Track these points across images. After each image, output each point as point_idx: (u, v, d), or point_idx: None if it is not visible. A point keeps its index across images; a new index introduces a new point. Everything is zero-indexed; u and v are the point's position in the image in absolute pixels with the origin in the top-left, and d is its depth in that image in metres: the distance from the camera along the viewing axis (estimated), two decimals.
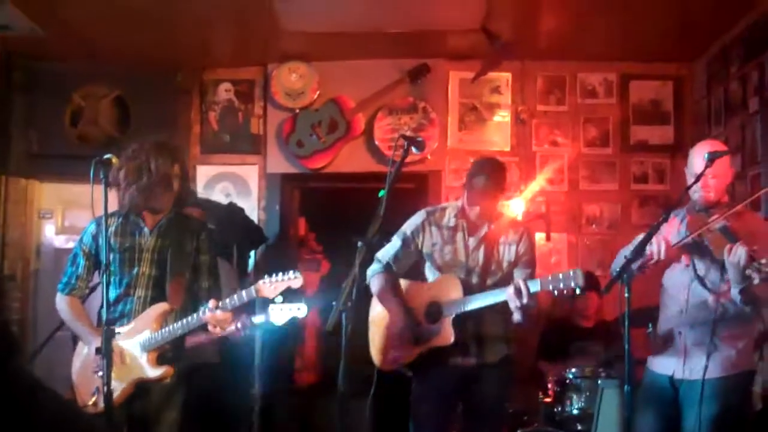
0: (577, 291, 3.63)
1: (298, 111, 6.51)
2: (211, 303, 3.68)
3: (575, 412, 4.94)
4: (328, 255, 7.40)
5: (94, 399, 3.70)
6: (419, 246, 4.18)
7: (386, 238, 3.80)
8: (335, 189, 6.92)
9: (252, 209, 6.51)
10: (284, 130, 6.50)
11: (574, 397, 4.98)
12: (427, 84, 6.50)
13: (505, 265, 4.05)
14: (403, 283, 4.25)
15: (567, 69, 6.62)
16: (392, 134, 6.35)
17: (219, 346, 4.87)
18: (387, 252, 4.21)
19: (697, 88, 6.45)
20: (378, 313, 4.26)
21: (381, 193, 3.34)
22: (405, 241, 4.19)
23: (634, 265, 3.54)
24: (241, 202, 6.40)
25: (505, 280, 3.97)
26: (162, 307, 3.80)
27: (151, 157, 3.77)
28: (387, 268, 4.20)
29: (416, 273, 4.31)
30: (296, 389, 6.33)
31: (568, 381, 5.01)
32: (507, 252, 4.08)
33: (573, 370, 5.02)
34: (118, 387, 3.64)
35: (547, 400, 5.08)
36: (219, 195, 6.49)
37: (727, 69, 5.85)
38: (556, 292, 3.67)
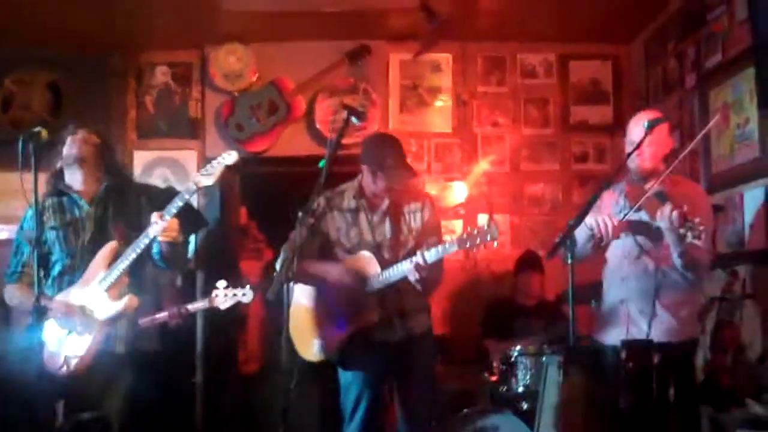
0: (495, 244, 3.62)
1: (236, 94, 6.40)
2: (154, 216, 3.67)
3: (521, 390, 4.91)
4: (271, 243, 7.30)
5: (63, 364, 3.70)
6: (326, 234, 4.15)
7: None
8: (276, 173, 6.81)
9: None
10: (223, 114, 6.38)
11: (520, 375, 4.95)
12: (368, 65, 6.44)
13: (414, 234, 4.03)
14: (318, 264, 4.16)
15: (507, 50, 6.62)
16: (333, 116, 6.28)
17: (160, 333, 4.80)
18: (294, 243, 4.06)
19: (635, 67, 6.50)
20: (300, 305, 4.17)
21: (321, 163, 3.29)
22: (311, 231, 4.02)
23: (589, 246, 3.55)
24: (179, 188, 6.24)
25: (415, 249, 3.93)
26: (109, 246, 3.80)
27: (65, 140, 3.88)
28: (298, 256, 4.11)
29: None
30: (239, 378, 6.23)
31: (513, 359, 4.99)
32: (413, 220, 4.06)
33: (518, 348, 5.00)
34: (86, 341, 3.69)
35: (493, 378, 5.06)
36: (157, 181, 6.33)
37: (665, 47, 5.90)
38: (474, 249, 3.67)
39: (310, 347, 4.12)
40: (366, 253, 4.00)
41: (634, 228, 3.72)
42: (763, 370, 3.30)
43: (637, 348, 3.27)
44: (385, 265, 3.93)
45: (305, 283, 4.13)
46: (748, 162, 4.67)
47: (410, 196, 4.12)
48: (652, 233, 3.64)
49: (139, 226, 3.80)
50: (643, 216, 3.66)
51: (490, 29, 6.34)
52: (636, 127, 3.70)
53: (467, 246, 3.64)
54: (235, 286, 4.63)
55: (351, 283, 3.98)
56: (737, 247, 4.67)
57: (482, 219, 5.99)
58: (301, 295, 4.19)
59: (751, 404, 3.13)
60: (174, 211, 3.68)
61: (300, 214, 3.19)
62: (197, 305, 4.72)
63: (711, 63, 5.13)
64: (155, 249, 3.84)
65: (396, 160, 3.98)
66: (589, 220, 3.59)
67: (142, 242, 3.70)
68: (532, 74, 6.63)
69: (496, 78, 6.61)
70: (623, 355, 3.24)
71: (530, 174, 6.55)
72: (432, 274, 3.82)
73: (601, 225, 3.58)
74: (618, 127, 6.41)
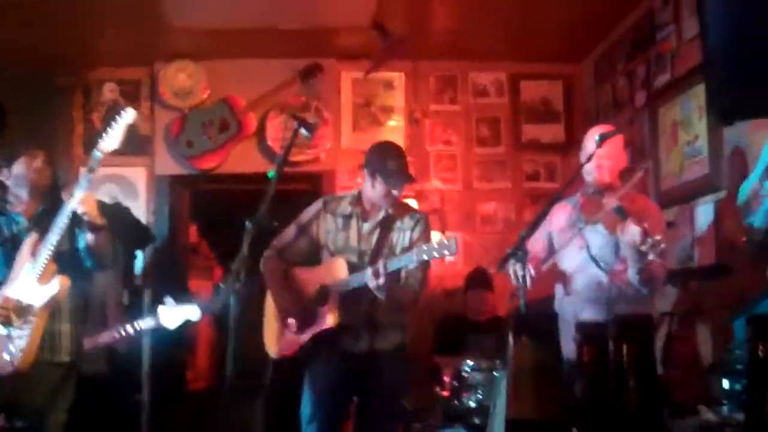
0: (451, 258, 3.59)
1: (187, 111, 6.33)
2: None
3: (473, 405, 4.88)
4: (221, 261, 7.22)
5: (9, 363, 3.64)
6: (314, 235, 4.11)
7: (276, 217, 3.68)
8: (227, 191, 6.75)
9: (140, 212, 6.27)
10: (173, 130, 6.31)
11: (472, 390, 4.92)
12: (320, 83, 6.42)
13: (398, 250, 3.97)
14: (297, 270, 4.14)
15: (458, 68, 6.66)
16: (284, 134, 6.23)
17: (106, 354, 4.73)
18: (281, 239, 4.15)
19: (585, 86, 6.58)
20: (270, 302, 4.16)
21: (270, 174, 3.25)
22: (300, 229, 4.12)
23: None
24: (128, 206, 6.15)
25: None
26: (29, 239, 3.78)
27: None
28: (279, 254, 4.13)
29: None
30: (187, 395, 6.12)
31: (464, 374, 4.96)
32: (402, 237, 4.01)
33: (470, 363, 4.98)
34: (26, 328, 3.64)
35: (445, 394, 5.01)
36: (104, 198, 6.20)
37: (614, 66, 5.98)
38: (431, 261, 3.68)
39: (271, 344, 4.10)
40: (338, 258, 3.96)
41: (586, 235, 3.72)
42: (714, 381, 3.31)
43: (592, 331, 3.20)
44: (358, 272, 3.88)
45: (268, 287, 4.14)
46: (697, 178, 4.72)
47: (407, 212, 4.08)
48: (606, 246, 3.65)
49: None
50: (600, 229, 3.66)
51: (442, 48, 6.38)
52: (589, 142, 3.72)
53: (424, 258, 3.60)
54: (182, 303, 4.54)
55: (290, 314, 3.96)
56: (687, 262, 4.71)
57: (435, 236, 5.96)
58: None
59: (703, 411, 3.13)
60: (85, 184, 3.65)
61: (248, 224, 3.14)
62: (144, 323, 4.60)
63: (660, 82, 5.20)
64: (80, 243, 3.78)
65: (396, 164, 3.94)
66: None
67: (62, 222, 3.64)
68: (484, 93, 6.67)
69: (448, 96, 6.63)
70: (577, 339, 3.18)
71: (482, 192, 6.56)
72: (397, 290, 3.81)
73: (522, 273, 3.50)
74: (569, 146, 6.49)
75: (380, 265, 3.66)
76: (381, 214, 4.03)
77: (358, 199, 4.09)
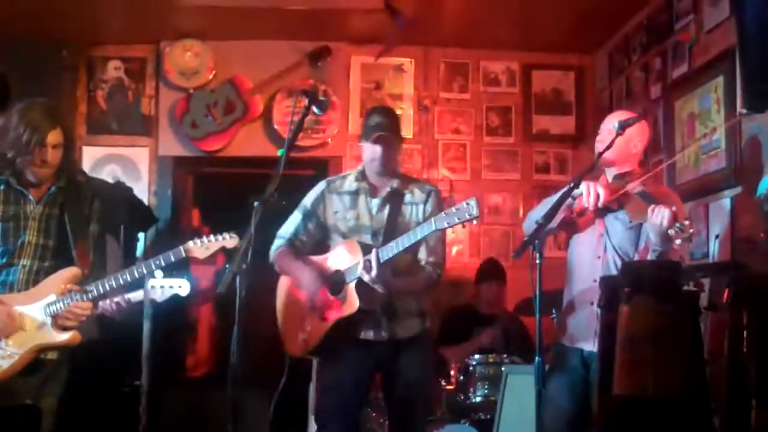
0: (474, 222, 3.42)
1: (192, 91, 6.21)
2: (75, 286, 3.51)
3: (478, 399, 4.82)
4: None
5: None
6: (321, 218, 3.95)
7: (284, 198, 3.53)
8: (232, 174, 6.64)
9: (142, 194, 6.15)
10: (177, 111, 6.18)
11: (478, 384, 4.85)
12: (329, 67, 6.30)
13: (412, 226, 3.71)
14: (310, 259, 3.97)
15: (470, 56, 6.54)
16: (294, 111, 6.09)
17: (98, 321, 4.61)
18: (287, 228, 3.98)
19: (599, 78, 6.47)
20: (283, 298, 3.99)
21: (280, 152, 3.13)
22: (306, 214, 3.96)
23: (553, 223, 3.42)
24: (130, 186, 6.04)
25: (414, 244, 3.71)
26: (71, 271, 3.57)
27: (21, 127, 3.52)
28: (289, 243, 3.96)
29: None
30: (188, 381, 6.03)
31: (471, 368, 4.89)
32: (414, 212, 3.84)
33: (476, 357, 4.90)
34: (15, 354, 3.46)
35: (450, 388, 4.94)
36: (107, 178, 6.10)
37: (629, 57, 5.87)
38: (452, 228, 3.53)
39: (292, 340, 3.91)
40: (351, 241, 3.79)
41: (607, 221, 3.61)
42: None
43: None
44: None
45: (283, 274, 3.99)
46: (713, 173, 4.61)
47: (414, 185, 3.92)
48: (626, 233, 3.55)
49: (86, 232, 3.65)
50: (621, 217, 3.55)
51: (454, 34, 6.27)
52: (608, 127, 3.62)
53: (445, 225, 3.40)
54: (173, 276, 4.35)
55: (311, 297, 3.78)
56: (702, 258, 4.61)
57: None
58: (282, 289, 4.02)
59: None
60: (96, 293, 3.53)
61: (256, 204, 3.02)
62: (132, 295, 4.39)
63: (677, 73, 5.08)
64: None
65: (377, 119, 3.82)
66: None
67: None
68: (495, 82, 6.55)
69: (458, 84, 6.52)
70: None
71: (491, 183, 6.46)
72: (400, 277, 3.68)
73: (592, 192, 3.43)
74: (580, 138, 6.40)
75: (372, 255, 3.51)
76: (387, 189, 3.87)
77: (362, 174, 3.93)
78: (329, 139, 6.26)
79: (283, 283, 4.00)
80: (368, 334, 3.79)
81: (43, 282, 3.57)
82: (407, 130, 6.41)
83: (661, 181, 5.02)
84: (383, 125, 3.81)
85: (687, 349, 1.63)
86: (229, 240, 3.56)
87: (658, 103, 5.36)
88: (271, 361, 4.20)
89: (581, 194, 3.47)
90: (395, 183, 3.88)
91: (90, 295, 3.51)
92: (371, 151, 3.84)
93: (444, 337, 5.46)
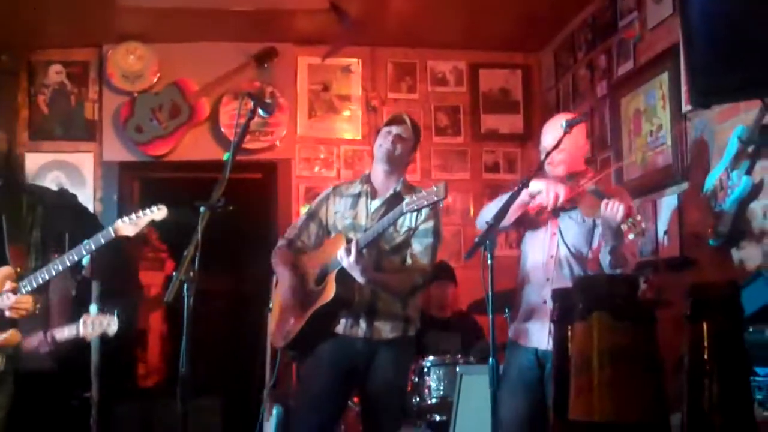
0: (440, 204, 3.54)
1: (136, 94, 6.10)
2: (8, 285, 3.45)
3: (433, 401, 4.79)
4: (173, 252, 7.01)
5: None
6: (323, 218, 4.02)
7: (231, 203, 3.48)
8: (178, 179, 6.52)
9: (87, 200, 6.02)
10: (122, 115, 6.07)
11: (433, 386, 4.83)
12: (275, 69, 6.24)
13: (403, 230, 3.81)
14: (304, 256, 4.03)
15: (417, 56, 6.53)
16: (240, 115, 6.03)
17: (55, 354, 4.51)
18: (292, 228, 4.11)
19: (545, 76, 6.50)
20: (278, 296, 4.07)
21: (226, 156, 3.08)
22: (310, 215, 4.07)
23: (507, 221, 3.43)
24: (74, 193, 5.91)
25: (402, 246, 3.83)
26: (3, 270, 3.53)
27: None
28: (289, 243, 4.04)
29: None
30: (139, 392, 5.92)
31: (425, 370, 4.86)
32: (408, 217, 3.83)
33: (430, 358, 4.88)
34: None
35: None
36: (50, 185, 5.96)
37: (575, 56, 5.90)
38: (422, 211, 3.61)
39: (278, 332, 4.00)
40: (339, 235, 3.84)
41: (560, 219, 3.63)
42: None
43: None
44: None
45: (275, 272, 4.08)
46: (661, 169, 4.65)
47: (416, 193, 3.86)
48: (579, 231, 3.57)
49: (28, 238, 3.61)
50: (574, 216, 3.57)
51: (401, 34, 6.25)
52: (552, 129, 3.62)
53: (414, 208, 3.46)
54: (109, 312, 4.25)
55: (291, 295, 3.87)
56: (650, 254, 4.64)
57: None
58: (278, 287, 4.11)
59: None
60: (30, 288, 3.51)
61: (202, 208, 2.98)
62: (65, 334, 4.26)
63: (622, 70, 5.12)
64: None
65: (405, 117, 3.97)
66: (536, 184, 3.51)
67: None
68: (443, 82, 6.55)
69: (406, 84, 6.50)
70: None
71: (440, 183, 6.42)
72: (389, 277, 3.76)
73: (551, 191, 3.47)
74: (528, 136, 6.41)
75: (353, 242, 3.54)
76: (389, 192, 3.92)
77: (367, 177, 4.02)
78: (277, 142, 6.20)
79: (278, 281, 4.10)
80: (345, 329, 3.81)
81: None
82: (356, 131, 6.38)
83: (609, 180, 5.06)
84: (404, 119, 3.95)
85: (645, 368, 1.59)
86: (157, 212, 3.61)
87: (604, 101, 5.39)
88: (222, 367, 4.16)
89: (539, 193, 3.50)
90: (398, 187, 3.93)
91: (24, 290, 3.48)
92: (383, 135, 3.93)
93: None
